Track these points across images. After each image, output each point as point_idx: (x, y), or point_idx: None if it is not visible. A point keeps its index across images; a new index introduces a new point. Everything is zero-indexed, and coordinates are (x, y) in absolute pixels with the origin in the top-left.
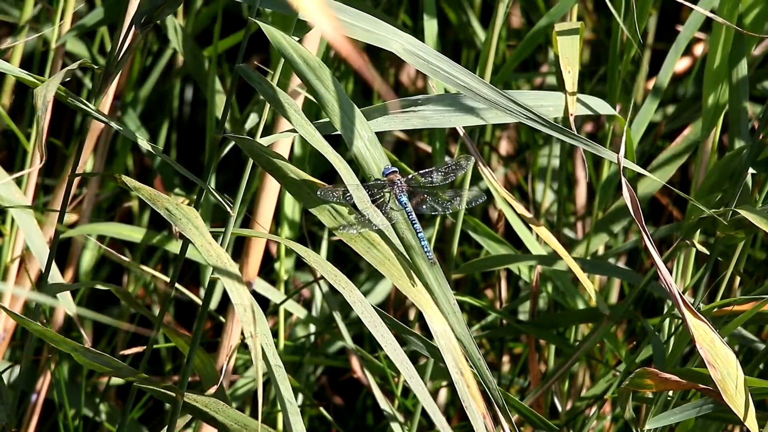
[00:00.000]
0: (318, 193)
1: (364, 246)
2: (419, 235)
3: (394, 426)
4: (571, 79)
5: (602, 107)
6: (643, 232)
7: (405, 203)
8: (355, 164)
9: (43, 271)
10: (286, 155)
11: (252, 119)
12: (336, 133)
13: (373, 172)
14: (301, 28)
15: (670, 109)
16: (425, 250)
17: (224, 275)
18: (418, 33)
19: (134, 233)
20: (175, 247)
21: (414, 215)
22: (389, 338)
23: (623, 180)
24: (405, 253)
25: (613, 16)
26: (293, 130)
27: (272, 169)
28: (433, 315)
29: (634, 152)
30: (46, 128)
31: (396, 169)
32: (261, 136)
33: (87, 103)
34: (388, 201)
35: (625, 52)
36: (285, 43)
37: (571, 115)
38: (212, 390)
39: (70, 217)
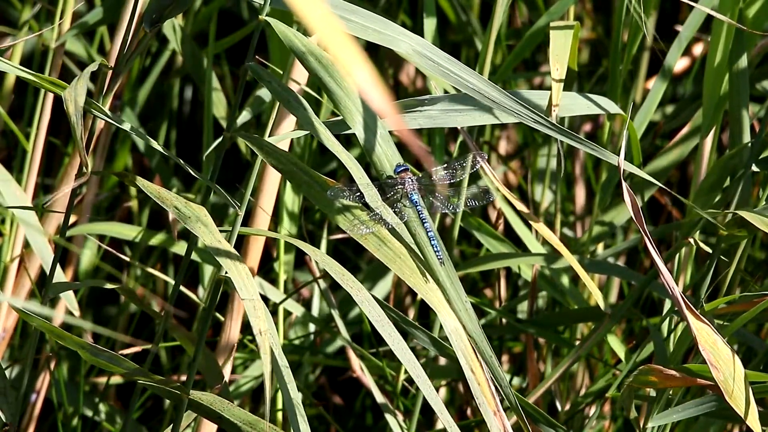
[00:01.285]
0: (329, 193)
1: (375, 243)
2: (429, 234)
3: (393, 425)
4: (558, 75)
5: (607, 104)
6: (645, 235)
7: (416, 202)
8: (362, 163)
9: (44, 270)
10: None
11: (243, 116)
12: (345, 132)
13: (385, 170)
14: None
15: (669, 109)
16: (435, 249)
17: (234, 272)
18: (417, 33)
19: (133, 233)
20: (174, 247)
21: (425, 213)
22: (396, 337)
23: (623, 183)
24: (417, 251)
25: (612, 16)
26: (300, 129)
27: (282, 167)
28: (445, 313)
29: (640, 150)
30: (82, 134)
31: (407, 167)
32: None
33: (98, 104)
34: (400, 199)
35: (627, 50)
36: (296, 41)
37: (555, 106)
38: (217, 388)
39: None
